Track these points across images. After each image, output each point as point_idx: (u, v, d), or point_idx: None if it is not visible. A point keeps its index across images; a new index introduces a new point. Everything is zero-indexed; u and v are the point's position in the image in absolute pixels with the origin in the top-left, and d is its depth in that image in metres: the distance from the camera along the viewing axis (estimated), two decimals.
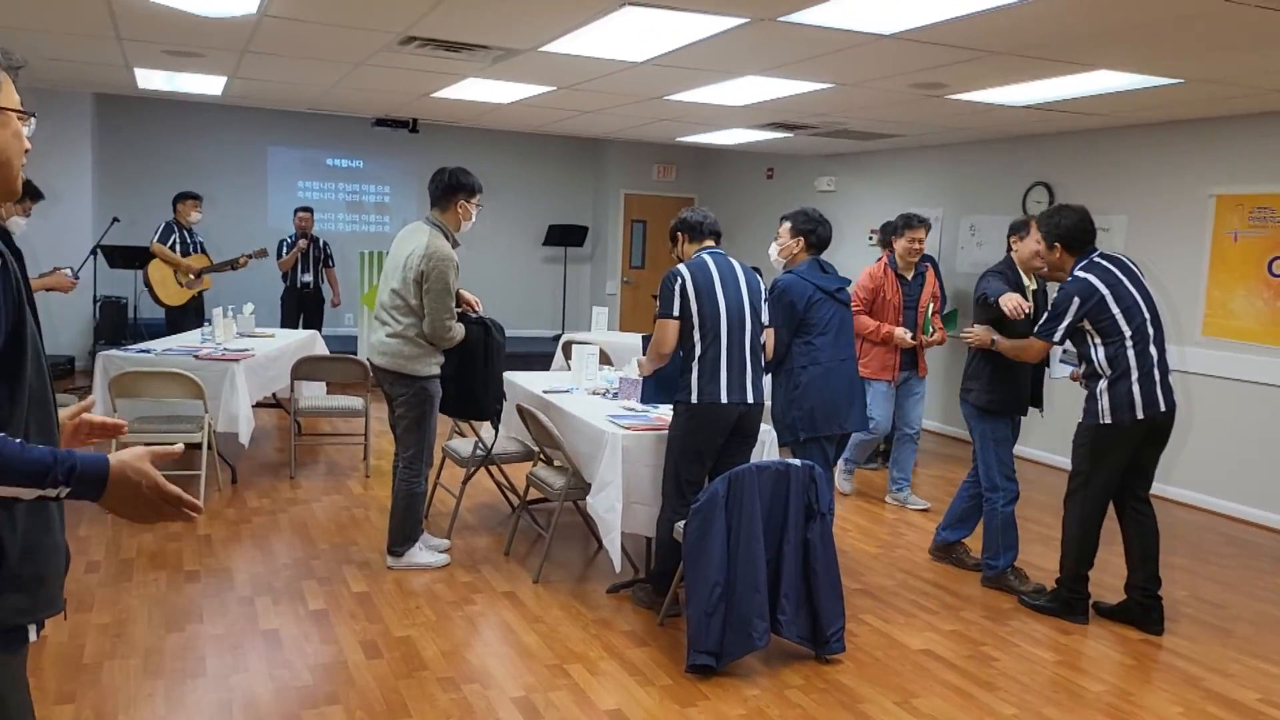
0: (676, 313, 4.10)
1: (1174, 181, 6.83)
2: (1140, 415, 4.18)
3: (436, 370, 4.54)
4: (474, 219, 4.58)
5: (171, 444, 1.67)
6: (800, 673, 3.77)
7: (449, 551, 4.92)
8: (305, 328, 9.07)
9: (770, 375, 4.49)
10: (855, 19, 4.41)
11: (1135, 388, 4.18)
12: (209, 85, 7.74)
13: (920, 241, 6.01)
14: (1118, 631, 4.35)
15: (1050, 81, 5.52)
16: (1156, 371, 4.21)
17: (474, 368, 4.59)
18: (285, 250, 9.30)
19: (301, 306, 9.44)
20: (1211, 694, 3.76)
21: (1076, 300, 4.22)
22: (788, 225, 4.62)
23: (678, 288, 4.09)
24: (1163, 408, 4.22)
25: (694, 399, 4.06)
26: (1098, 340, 4.24)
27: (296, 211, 9.48)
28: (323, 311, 9.58)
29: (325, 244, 9.62)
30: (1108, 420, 4.21)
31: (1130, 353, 4.18)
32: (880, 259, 6.18)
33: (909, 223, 5.99)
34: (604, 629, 4.12)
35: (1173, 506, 6.54)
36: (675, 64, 5.66)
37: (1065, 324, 4.27)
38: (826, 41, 4.86)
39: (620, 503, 4.22)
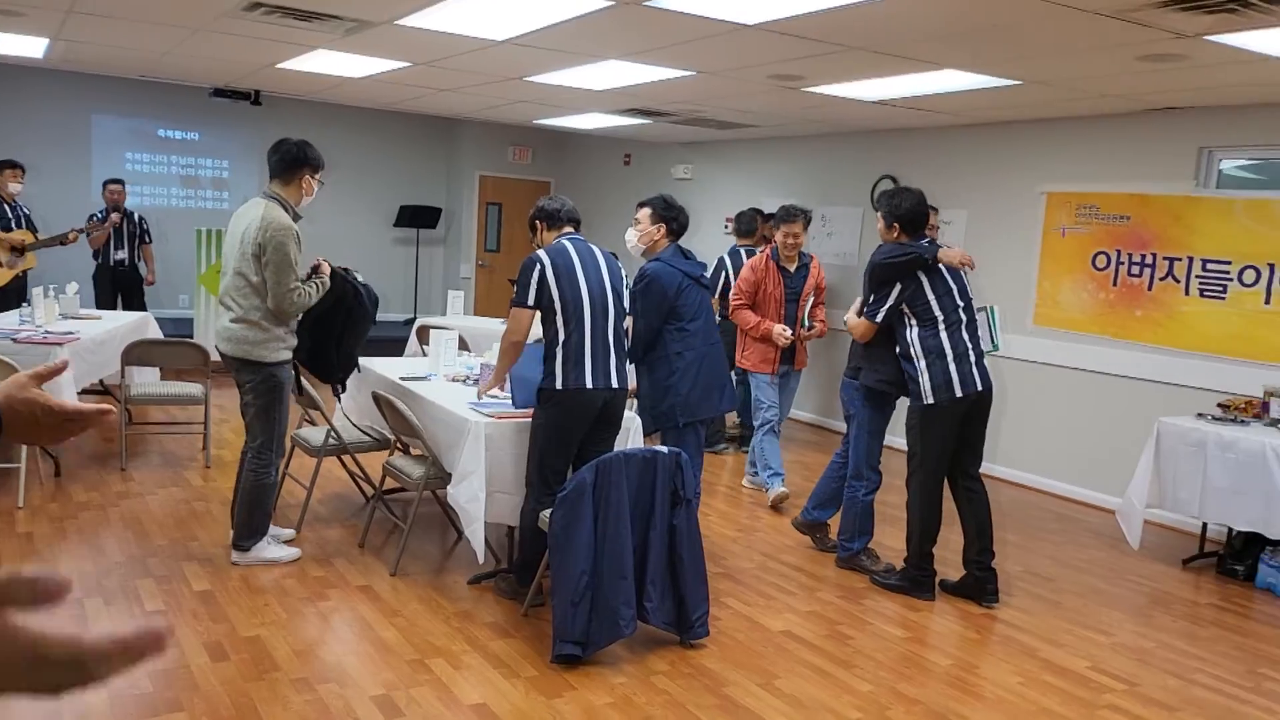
0: (532, 302, 4.02)
1: (1009, 178, 7.20)
2: (959, 394, 4.44)
3: (286, 355, 4.33)
4: (314, 194, 4.40)
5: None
6: (665, 658, 3.78)
7: (297, 544, 4.71)
8: (125, 309, 8.50)
9: (633, 364, 4.49)
10: (719, 7, 4.43)
11: (951, 368, 4.43)
12: (29, 47, 7.13)
13: (796, 236, 5.97)
14: (961, 607, 4.57)
15: (901, 78, 5.71)
16: (971, 354, 4.49)
17: (332, 324, 4.40)
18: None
19: (117, 286, 8.81)
20: (1047, 663, 3.99)
21: (898, 284, 4.47)
22: (647, 211, 4.62)
23: (536, 275, 4.01)
24: (979, 387, 4.49)
25: (559, 385, 4.00)
26: (913, 322, 4.49)
27: (106, 184, 8.82)
28: (142, 291, 8.99)
29: (141, 219, 9.02)
30: (930, 400, 4.46)
31: (944, 335, 4.44)
32: (763, 251, 6.20)
33: (787, 215, 5.97)
34: (466, 621, 4.03)
35: (1005, 486, 6.93)
36: (537, 44, 5.57)
37: (888, 306, 4.52)
38: (690, 29, 4.87)
39: (483, 492, 4.13)
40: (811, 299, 6.12)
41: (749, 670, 3.74)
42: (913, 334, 4.50)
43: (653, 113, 8.04)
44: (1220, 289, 6.00)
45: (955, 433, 4.52)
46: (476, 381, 4.99)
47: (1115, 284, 6.55)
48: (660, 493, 3.77)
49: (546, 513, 3.90)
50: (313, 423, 5.41)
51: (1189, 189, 6.18)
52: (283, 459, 4.59)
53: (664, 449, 3.81)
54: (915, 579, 4.63)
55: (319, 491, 5.53)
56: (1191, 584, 5.18)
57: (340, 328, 4.42)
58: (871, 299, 4.59)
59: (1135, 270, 6.44)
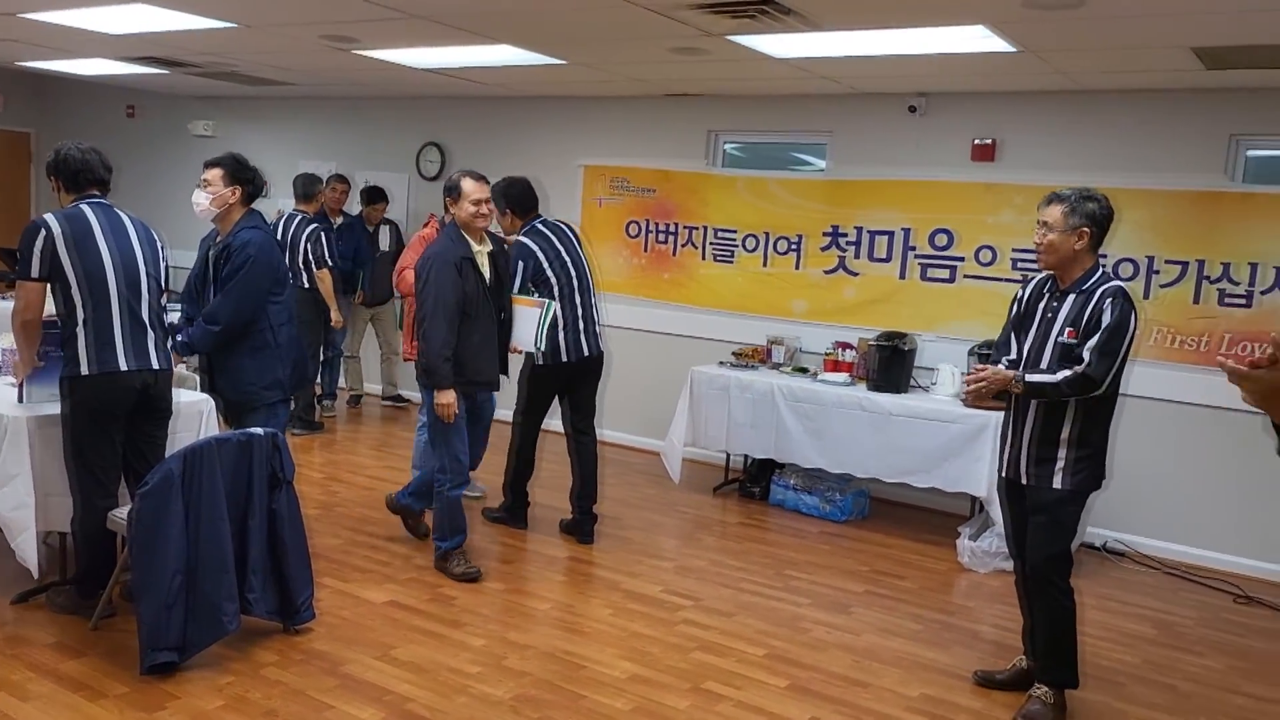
0: (37, 273, 3.53)
1: (552, 150, 7.66)
2: (565, 359, 4.89)
3: None
4: None
5: None
6: (273, 649, 3.61)
7: None
8: None
9: (210, 337, 4.08)
10: None
11: (561, 336, 4.84)
12: None
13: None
14: (547, 554, 4.91)
15: (457, 49, 5.81)
16: (581, 323, 4.92)
17: None
18: None
19: None
20: (629, 593, 4.46)
21: (520, 263, 4.78)
22: (219, 172, 4.18)
23: (41, 243, 3.51)
24: (586, 353, 4.95)
25: (85, 370, 3.55)
26: (535, 294, 4.84)
27: None
28: None
29: None
30: (539, 361, 4.87)
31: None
32: (428, 223, 5.62)
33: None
34: (21, 646, 3.49)
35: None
36: None
37: (519, 282, 4.78)
38: None
39: (32, 497, 3.58)
40: None
41: (363, 645, 3.70)
42: None
43: (174, 63, 7.28)
44: (729, 254, 6.98)
45: (554, 390, 5.06)
46: (2, 371, 4.26)
47: (646, 250, 7.31)
48: (258, 477, 3.56)
49: (120, 512, 3.51)
50: None
51: (702, 167, 7.08)
52: None
53: (259, 431, 3.60)
54: (512, 509, 5.17)
55: None
56: (722, 508, 6.05)
57: None
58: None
59: (662, 238, 7.24)
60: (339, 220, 7.55)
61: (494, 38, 5.45)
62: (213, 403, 4.22)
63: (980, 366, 3.41)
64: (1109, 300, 3.30)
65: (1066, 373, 3.27)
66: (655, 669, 3.69)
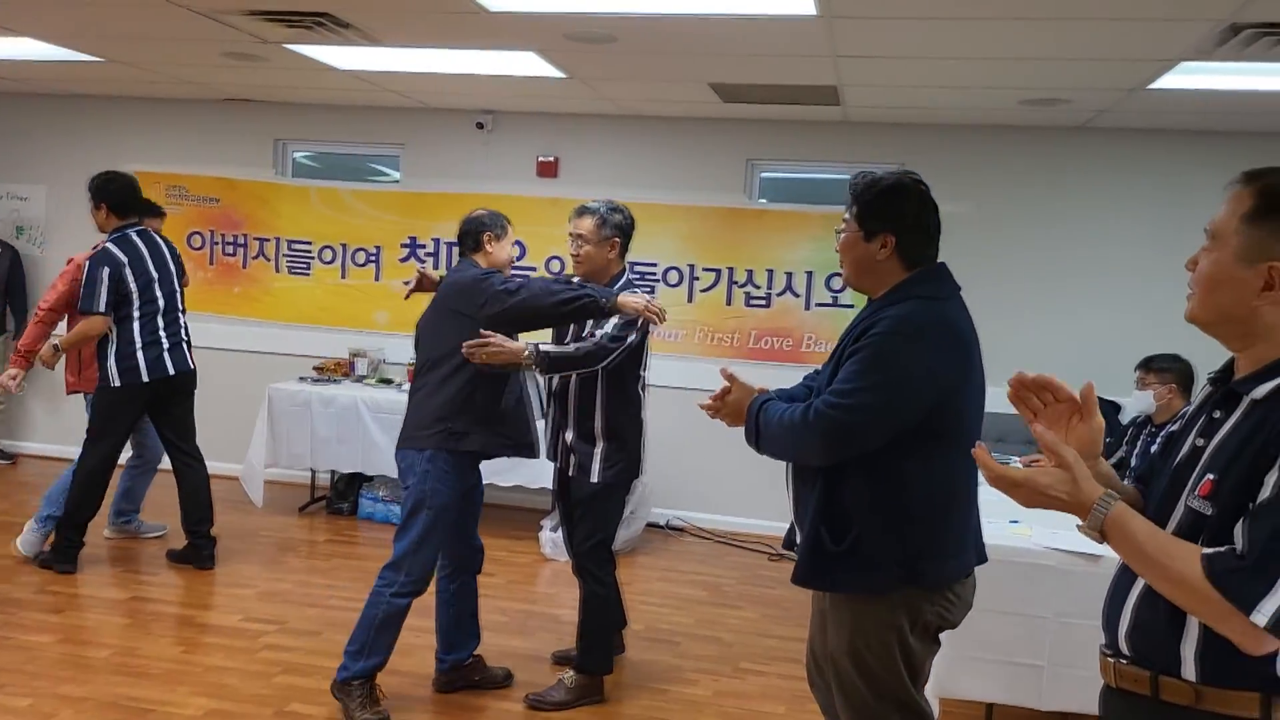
0: None
1: (96, 154, 6.89)
2: (145, 379, 4.63)
3: None
4: None
5: None
6: None
7: None
8: None
9: None
10: None
11: (140, 354, 4.60)
12: None
13: None
14: (110, 598, 4.50)
15: None
16: (164, 341, 4.69)
17: None
18: None
19: None
20: (204, 626, 4.24)
21: (105, 269, 4.53)
22: None
23: None
24: (170, 371, 4.71)
25: None
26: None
27: None
28: None
29: None
30: (117, 384, 4.60)
31: (135, 325, 4.60)
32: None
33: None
34: None
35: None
36: None
37: (102, 293, 4.51)
38: None
39: None
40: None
41: None
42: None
43: None
44: (305, 266, 6.81)
45: (134, 415, 4.76)
46: None
47: (212, 263, 6.90)
48: None
49: None
50: None
51: (270, 176, 6.83)
52: None
53: None
54: (64, 550, 4.69)
55: None
56: (309, 527, 5.90)
57: None
58: (85, 291, 4.57)
59: (230, 250, 6.88)
60: None
61: (13, 29, 4.88)
62: None
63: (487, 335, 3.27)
64: None
65: (584, 344, 3.40)
66: (234, 700, 3.55)
